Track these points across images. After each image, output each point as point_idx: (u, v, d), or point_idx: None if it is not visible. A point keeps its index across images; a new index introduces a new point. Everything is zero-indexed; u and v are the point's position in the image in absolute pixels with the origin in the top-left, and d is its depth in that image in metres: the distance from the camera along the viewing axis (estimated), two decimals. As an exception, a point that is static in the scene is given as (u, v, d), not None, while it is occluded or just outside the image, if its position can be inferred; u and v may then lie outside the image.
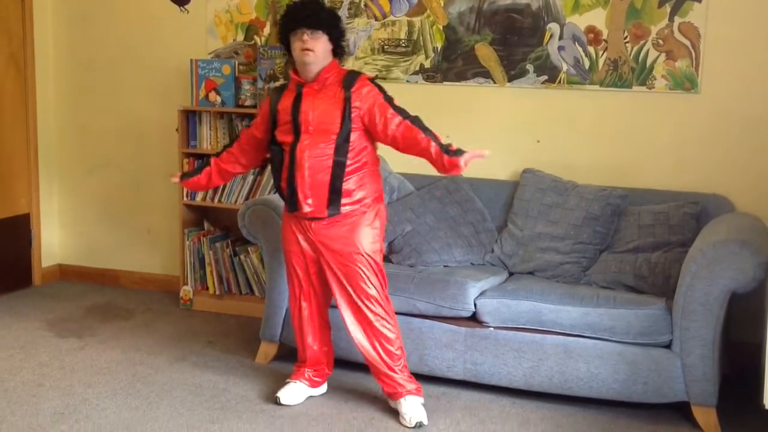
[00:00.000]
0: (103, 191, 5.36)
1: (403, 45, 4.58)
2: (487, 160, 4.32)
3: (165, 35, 5.06)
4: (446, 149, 3.21)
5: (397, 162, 4.37)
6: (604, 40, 4.23)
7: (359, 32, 4.65)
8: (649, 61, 4.16)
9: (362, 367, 3.62)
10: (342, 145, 3.30)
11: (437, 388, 3.71)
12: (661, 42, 4.14)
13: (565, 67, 4.30)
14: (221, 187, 4.67)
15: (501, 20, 4.38)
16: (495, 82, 4.44)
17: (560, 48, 4.30)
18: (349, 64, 4.64)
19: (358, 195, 3.36)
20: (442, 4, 4.48)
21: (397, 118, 3.29)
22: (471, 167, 4.29)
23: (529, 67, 4.36)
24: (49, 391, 3.62)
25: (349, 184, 3.33)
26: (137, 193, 5.27)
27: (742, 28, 4.01)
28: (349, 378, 3.79)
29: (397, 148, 3.36)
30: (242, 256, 4.74)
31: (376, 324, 3.38)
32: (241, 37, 4.90)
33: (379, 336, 3.39)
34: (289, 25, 3.37)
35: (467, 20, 4.45)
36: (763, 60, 4.01)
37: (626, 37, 4.19)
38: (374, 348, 3.40)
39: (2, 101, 5.04)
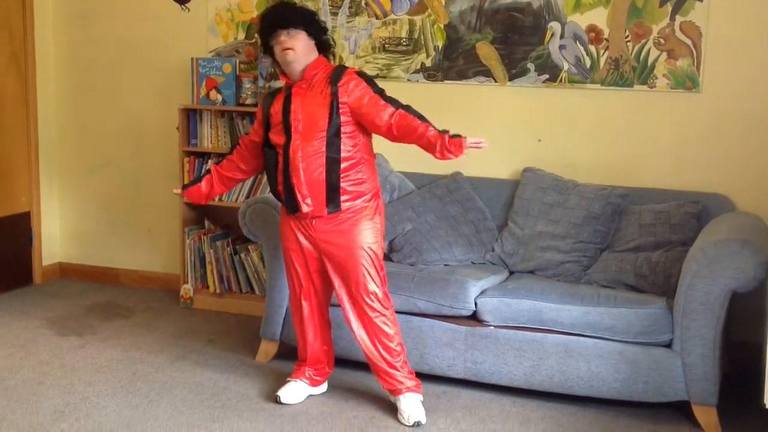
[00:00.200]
0: (104, 189, 5.36)
1: (404, 44, 4.58)
2: (487, 159, 4.35)
3: (166, 34, 5.06)
4: (445, 132, 3.21)
5: (398, 161, 4.37)
6: (606, 39, 4.22)
7: (360, 31, 4.65)
8: (650, 60, 4.16)
9: (363, 365, 3.62)
10: (333, 142, 3.29)
11: (437, 387, 3.71)
12: (662, 41, 4.14)
13: (566, 66, 4.30)
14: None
15: (502, 19, 4.38)
16: (496, 81, 4.43)
17: (561, 47, 4.30)
18: (350, 63, 4.65)
19: (357, 190, 3.35)
20: (443, 3, 4.47)
21: (390, 108, 3.28)
22: (472, 166, 4.33)
23: (530, 66, 4.35)
24: (50, 390, 3.62)
25: (346, 179, 3.33)
26: (138, 192, 5.27)
27: (744, 28, 4.01)
28: (350, 377, 3.79)
29: (392, 138, 3.33)
30: (243, 255, 4.74)
31: (376, 321, 3.38)
32: (242, 36, 4.90)
33: (378, 333, 3.39)
34: (266, 32, 3.40)
35: (468, 19, 4.44)
36: (765, 59, 4.00)
37: (627, 36, 4.19)
38: (373, 343, 3.41)
39: (3, 100, 5.04)
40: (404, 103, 3.32)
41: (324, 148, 3.29)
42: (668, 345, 3.39)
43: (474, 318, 3.66)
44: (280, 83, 3.64)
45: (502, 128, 4.44)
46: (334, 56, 3.58)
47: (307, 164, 3.30)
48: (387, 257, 4.06)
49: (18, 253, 5.23)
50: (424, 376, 3.63)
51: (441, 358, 3.66)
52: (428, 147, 3.24)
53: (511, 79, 4.40)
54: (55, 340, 4.25)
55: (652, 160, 4.21)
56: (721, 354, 3.37)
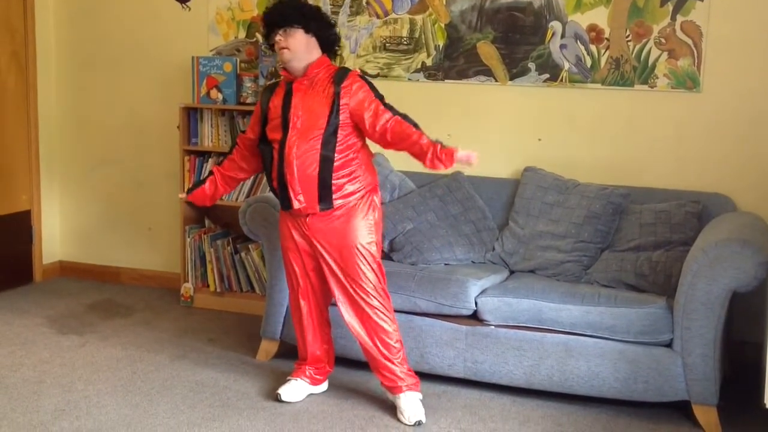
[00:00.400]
0: (104, 188, 5.36)
1: (405, 43, 4.58)
2: (488, 159, 4.36)
3: (166, 32, 5.06)
4: (438, 142, 3.22)
5: (399, 160, 4.37)
6: (606, 38, 4.22)
7: (361, 30, 4.65)
8: (651, 60, 4.16)
9: (363, 365, 3.62)
10: (329, 140, 3.30)
11: (438, 386, 3.71)
12: (663, 41, 4.14)
13: (567, 65, 4.30)
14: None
15: (503, 18, 4.38)
16: (497, 81, 4.43)
17: (562, 46, 4.30)
18: (351, 62, 4.64)
19: (350, 188, 3.36)
20: (444, 2, 4.47)
21: (387, 114, 3.29)
22: (472, 165, 4.34)
23: (531, 65, 4.35)
24: (50, 388, 3.62)
25: (339, 178, 3.33)
26: (138, 190, 5.27)
27: (745, 27, 4.01)
28: (350, 376, 3.79)
29: (385, 143, 3.34)
30: (243, 254, 4.74)
31: (374, 317, 3.38)
32: (242, 35, 4.90)
33: (377, 329, 3.39)
34: (266, 31, 3.42)
35: (469, 18, 4.44)
36: (766, 59, 4.00)
37: (628, 35, 4.19)
38: (372, 340, 3.41)
39: (4, 98, 5.04)
40: (402, 112, 3.33)
41: (319, 146, 3.30)
42: (669, 345, 3.39)
43: (474, 317, 3.66)
44: (272, 82, 3.63)
45: (502, 128, 4.44)
46: (336, 55, 3.56)
47: (301, 161, 3.30)
48: (388, 256, 4.06)
49: (18, 251, 5.23)
50: (424, 376, 3.64)
51: (441, 358, 3.66)
52: (419, 155, 3.26)
53: (511, 78, 4.40)
54: (55, 339, 4.25)
55: (653, 159, 4.21)
56: (722, 354, 3.37)
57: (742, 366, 3.74)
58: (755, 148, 4.05)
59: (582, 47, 4.27)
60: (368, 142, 3.44)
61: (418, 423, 3.34)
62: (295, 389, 3.57)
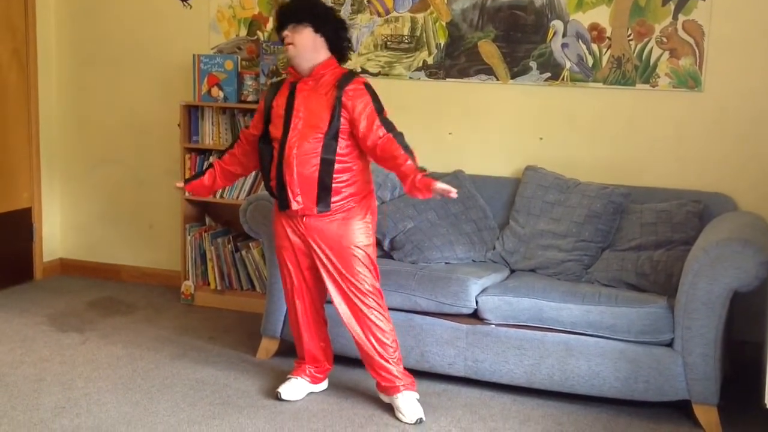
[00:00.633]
0: (105, 186, 5.36)
1: (406, 41, 4.58)
2: (489, 157, 4.36)
3: (167, 30, 5.06)
4: (422, 169, 3.20)
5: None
6: (608, 37, 4.22)
7: (362, 28, 4.64)
8: (652, 59, 4.15)
9: (363, 363, 3.62)
10: (330, 144, 3.29)
11: (438, 385, 3.71)
12: (664, 40, 4.13)
13: (568, 64, 4.30)
14: (223, 182, 4.67)
15: (504, 17, 4.37)
16: (498, 79, 4.43)
17: (564, 45, 4.29)
18: (352, 60, 4.63)
19: (348, 191, 3.36)
20: (446, 1, 4.47)
21: (381, 130, 3.27)
22: (473, 164, 4.34)
23: (533, 64, 4.35)
24: (50, 386, 3.62)
25: (338, 181, 3.33)
26: (139, 188, 5.27)
27: (746, 27, 4.01)
28: (350, 374, 3.79)
29: (374, 157, 3.34)
30: (243, 252, 4.74)
31: (371, 316, 3.38)
32: (243, 33, 4.90)
33: (373, 328, 3.39)
34: (278, 26, 3.42)
35: (470, 17, 4.44)
36: (767, 59, 3.99)
37: (630, 34, 4.18)
38: (369, 339, 3.41)
39: (5, 96, 5.04)
40: (398, 130, 3.30)
41: (320, 149, 3.29)
42: (669, 344, 3.38)
43: (475, 316, 3.66)
44: (278, 79, 3.62)
45: (503, 126, 4.43)
46: (346, 59, 3.50)
47: (301, 162, 3.30)
48: (388, 255, 4.06)
49: (19, 249, 5.23)
50: (424, 374, 3.64)
51: (442, 357, 3.66)
52: (402, 178, 3.25)
53: (513, 77, 4.40)
54: (55, 337, 4.25)
55: (654, 159, 4.20)
56: (722, 353, 3.36)
57: (742, 366, 3.73)
58: (756, 147, 4.04)
59: (583, 46, 4.26)
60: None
61: (419, 420, 3.34)
62: (295, 388, 3.57)
